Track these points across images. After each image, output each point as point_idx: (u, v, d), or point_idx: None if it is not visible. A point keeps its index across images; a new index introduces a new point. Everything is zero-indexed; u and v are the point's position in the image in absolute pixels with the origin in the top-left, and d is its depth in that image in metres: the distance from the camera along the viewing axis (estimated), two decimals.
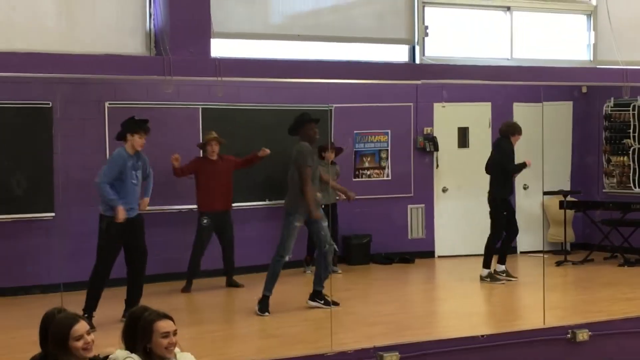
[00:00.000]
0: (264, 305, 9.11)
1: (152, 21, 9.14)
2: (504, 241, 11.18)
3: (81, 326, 4.82)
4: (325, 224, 9.28)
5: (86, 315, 8.57)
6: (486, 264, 11.04)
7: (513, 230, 11.22)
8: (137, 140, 8.84)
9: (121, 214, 8.60)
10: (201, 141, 11.11)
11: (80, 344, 4.80)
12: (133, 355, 5.38)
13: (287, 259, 9.24)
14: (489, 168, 11.25)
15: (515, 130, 11.05)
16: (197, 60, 7.70)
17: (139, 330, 5.41)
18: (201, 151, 11.13)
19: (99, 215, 8.83)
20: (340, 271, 11.89)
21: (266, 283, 9.17)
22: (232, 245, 11.04)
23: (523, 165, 10.99)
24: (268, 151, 11.09)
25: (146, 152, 11.07)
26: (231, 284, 11.02)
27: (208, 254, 10.97)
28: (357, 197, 11.94)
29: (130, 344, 5.53)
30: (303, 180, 9.13)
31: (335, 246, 9.65)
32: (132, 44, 7.61)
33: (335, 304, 9.23)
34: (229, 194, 11.01)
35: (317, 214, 9.17)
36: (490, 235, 11.08)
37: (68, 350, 4.79)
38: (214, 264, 10.99)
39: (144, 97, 10.99)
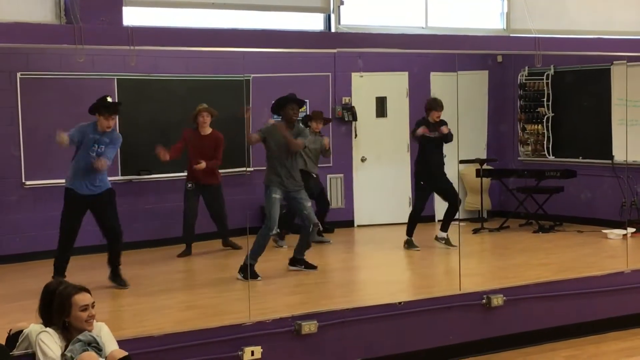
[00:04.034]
0: (251, 273, 9.02)
1: None
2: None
3: None
4: (308, 203, 9.60)
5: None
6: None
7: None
8: (102, 122, 8.85)
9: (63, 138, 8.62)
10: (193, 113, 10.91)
11: None
12: (48, 329, 5.31)
13: (274, 231, 9.38)
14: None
15: (432, 106, 11.11)
16: (109, 28, 7.52)
17: (55, 304, 5.32)
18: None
19: None
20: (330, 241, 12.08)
21: (252, 252, 9.23)
22: (222, 217, 11.16)
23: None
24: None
25: (61, 123, 10.83)
26: (230, 245, 11.25)
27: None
28: None
29: (47, 319, 5.45)
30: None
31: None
32: (41, 12, 7.36)
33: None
34: (213, 169, 10.93)
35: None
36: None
37: None
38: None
39: (57, 67, 10.75)
